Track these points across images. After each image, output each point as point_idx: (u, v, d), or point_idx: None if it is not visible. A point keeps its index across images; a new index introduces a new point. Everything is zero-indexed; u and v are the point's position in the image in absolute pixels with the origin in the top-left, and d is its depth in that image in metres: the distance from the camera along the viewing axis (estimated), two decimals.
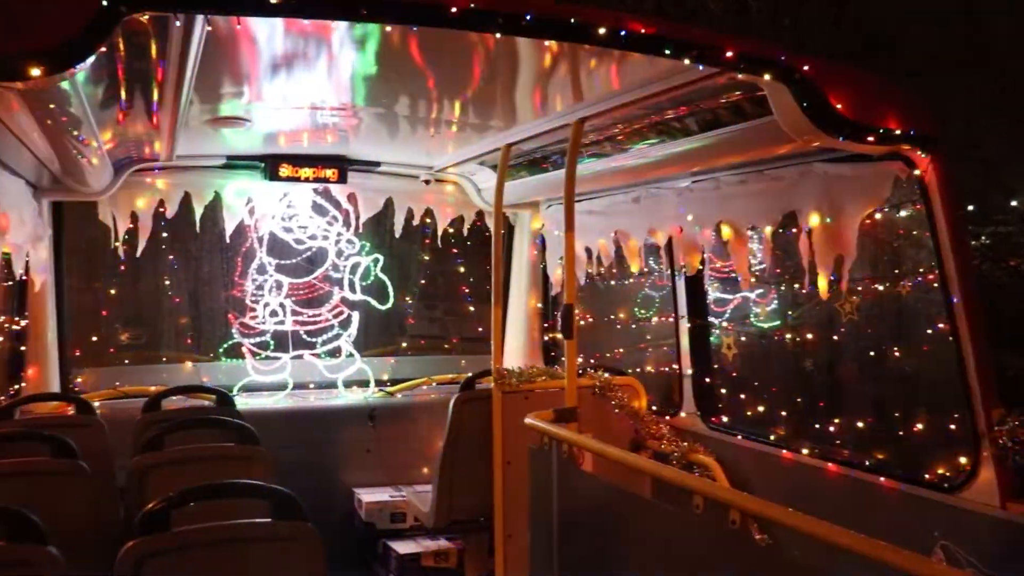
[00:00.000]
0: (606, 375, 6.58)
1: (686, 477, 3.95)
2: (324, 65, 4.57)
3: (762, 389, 7.37)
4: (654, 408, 6.72)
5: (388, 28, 3.76)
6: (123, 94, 4.42)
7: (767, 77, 3.83)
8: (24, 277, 6.25)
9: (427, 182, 7.93)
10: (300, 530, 3.45)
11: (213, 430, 5.38)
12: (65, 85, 3.38)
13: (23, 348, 6.81)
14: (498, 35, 3.38)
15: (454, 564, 6.80)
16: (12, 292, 6.64)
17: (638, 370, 8.17)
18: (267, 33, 3.89)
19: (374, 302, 8.19)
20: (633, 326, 9.32)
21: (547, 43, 3.99)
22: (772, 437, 6.15)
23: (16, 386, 6.72)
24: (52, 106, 3.66)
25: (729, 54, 3.65)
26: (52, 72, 2.68)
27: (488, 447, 5.96)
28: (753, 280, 6.58)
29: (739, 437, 6.04)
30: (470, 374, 6.86)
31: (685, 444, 6.11)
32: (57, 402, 6.66)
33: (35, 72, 2.65)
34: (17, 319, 6.71)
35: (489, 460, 5.93)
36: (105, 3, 2.68)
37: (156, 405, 6.23)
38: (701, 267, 6.43)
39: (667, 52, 3.57)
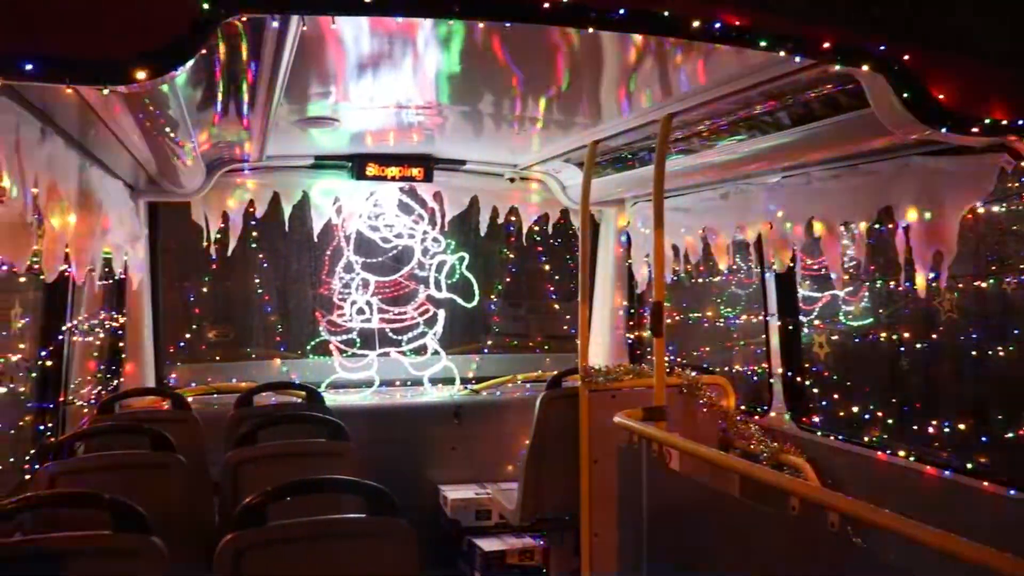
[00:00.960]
0: (693, 374, 6.48)
1: (782, 478, 3.86)
2: (410, 64, 4.58)
3: (856, 389, 7.18)
4: (742, 408, 6.60)
5: (473, 26, 3.75)
6: (218, 96, 4.51)
7: (865, 68, 3.71)
8: (122, 276, 6.42)
9: (512, 180, 7.94)
10: (394, 526, 3.46)
11: (304, 426, 5.45)
12: (164, 88, 3.45)
13: (121, 344, 7.01)
14: (591, 30, 3.33)
15: (539, 562, 6.78)
16: (111, 291, 6.85)
17: (724, 369, 8.05)
18: (354, 33, 3.92)
19: (459, 300, 8.23)
20: (719, 324, 9.19)
21: (633, 37, 3.93)
22: (867, 439, 5.98)
23: (116, 381, 6.93)
24: (152, 108, 3.74)
25: (826, 45, 3.54)
26: (156, 75, 2.73)
27: (574, 445, 5.92)
28: (845, 277, 6.39)
29: (832, 438, 5.89)
30: (556, 372, 6.83)
31: (775, 444, 5.97)
32: (153, 397, 6.84)
33: (140, 75, 2.70)
34: (116, 316, 6.92)
35: (575, 458, 5.90)
36: (206, 6, 2.72)
37: (248, 401, 6.34)
38: (792, 264, 6.29)
39: (762, 44, 3.47)
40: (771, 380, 6.58)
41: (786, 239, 6.00)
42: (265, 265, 8.15)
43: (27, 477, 4.88)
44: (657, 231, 5.15)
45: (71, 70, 2.70)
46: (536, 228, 8.38)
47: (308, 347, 8.08)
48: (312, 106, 5.59)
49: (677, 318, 9.01)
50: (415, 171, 7.46)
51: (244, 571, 3.18)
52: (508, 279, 8.88)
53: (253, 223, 7.66)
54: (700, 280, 8.88)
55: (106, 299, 6.83)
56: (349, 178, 7.47)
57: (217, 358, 8.09)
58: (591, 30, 3.31)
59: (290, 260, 8.20)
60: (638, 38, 3.91)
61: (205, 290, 8.06)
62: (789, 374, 6.44)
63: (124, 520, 3.23)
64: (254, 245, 7.94)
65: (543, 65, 4.62)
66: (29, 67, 2.63)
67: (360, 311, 7.94)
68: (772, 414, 6.52)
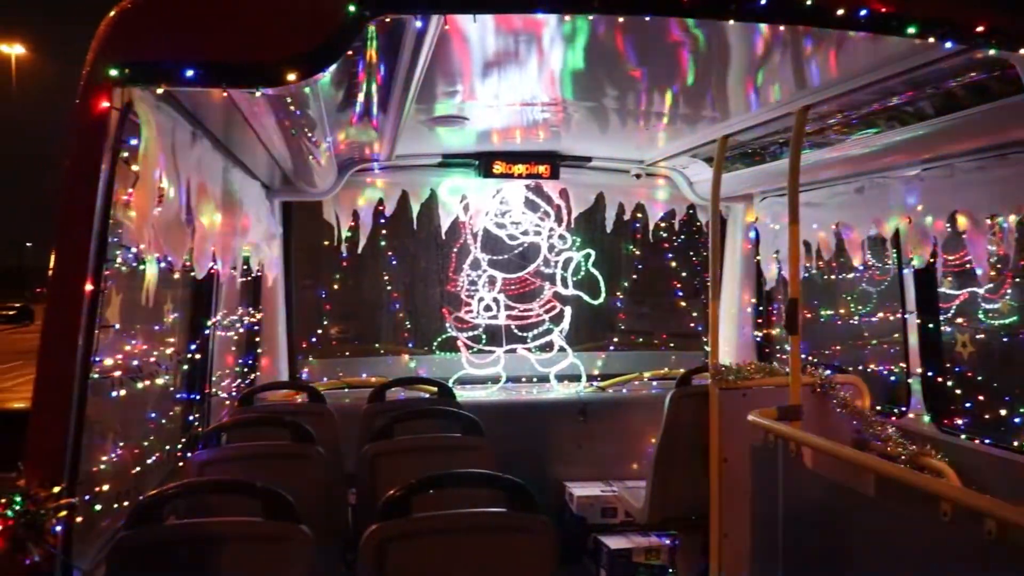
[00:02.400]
0: (827, 373, 6.30)
1: (932, 481, 3.71)
2: (535, 62, 4.60)
3: (1006, 391, 6.83)
4: (877, 408, 6.38)
5: (597, 22, 3.73)
6: (354, 97, 4.62)
7: (1022, 52, 3.53)
8: (259, 273, 6.64)
9: (638, 176, 7.88)
10: (535, 522, 3.46)
11: (437, 420, 5.53)
12: (307, 89, 3.56)
13: (257, 340, 7.26)
14: (731, 22, 3.27)
15: (666, 561, 6.72)
16: (248, 288, 7.11)
17: (858, 368, 7.80)
18: (480, 32, 3.95)
19: (586, 297, 8.23)
20: (852, 322, 8.90)
21: (761, 29, 3.85)
22: (1016, 443, 5.70)
23: (252, 375, 7.19)
24: (293, 108, 3.86)
25: (980, 29, 3.38)
26: (306, 76, 2.83)
27: (704, 444, 5.83)
28: (992, 273, 6.10)
29: (977, 441, 5.64)
30: (684, 370, 6.75)
31: (913, 447, 5.75)
32: (286, 390, 7.07)
33: (291, 77, 2.80)
34: (253, 313, 7.18)
35: (705, 457, 5.81)
36: (352, 8, 2.79)
37: (381, 395, 6.47)
38: (932, 260, 6.05)
39: (910, 31, 3.34)
40: (909, 380, 6.34)
41: (926, 234, 5.78)
42: (394, 263, 8.31)
43: (180, 464, 5.11)
44: (792, 227, 5.03)
45: (228, 74, 2.82)
46: (662, 224, 8.30)
47: (435, 343, 8.21)
48: (439, 105, 5.67)
49: (808, 315, 8.78)
50: (541, 168, 7.49)
51: (388, 561, 3.24)
52: (634, 276, 8.80)
53: (382, 221, 7.83)
54: (831, 277, 8.64)
55: (243, 296, 7.08)
56: (476, 176, 7.55)
57: (347, 353, 8.30)
58: (731, 22, 3.25)
59: (418, 258, 8.35)
60: (767, 29, 3.82)
61: (336, 287, 8.28)
62: (929, 374, 6.20)
63: (274, 508, 3.35)
64: (383, 243, 8.11)
65: (668, 59, 4.57)
66: (190, 73, 2.75)
67: (487, 308, 8.03)
68: (910, 415, 6.29)
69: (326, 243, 7.76)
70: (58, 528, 2.47)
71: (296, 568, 3.22)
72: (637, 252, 8.74)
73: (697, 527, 6.28)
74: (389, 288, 8.36)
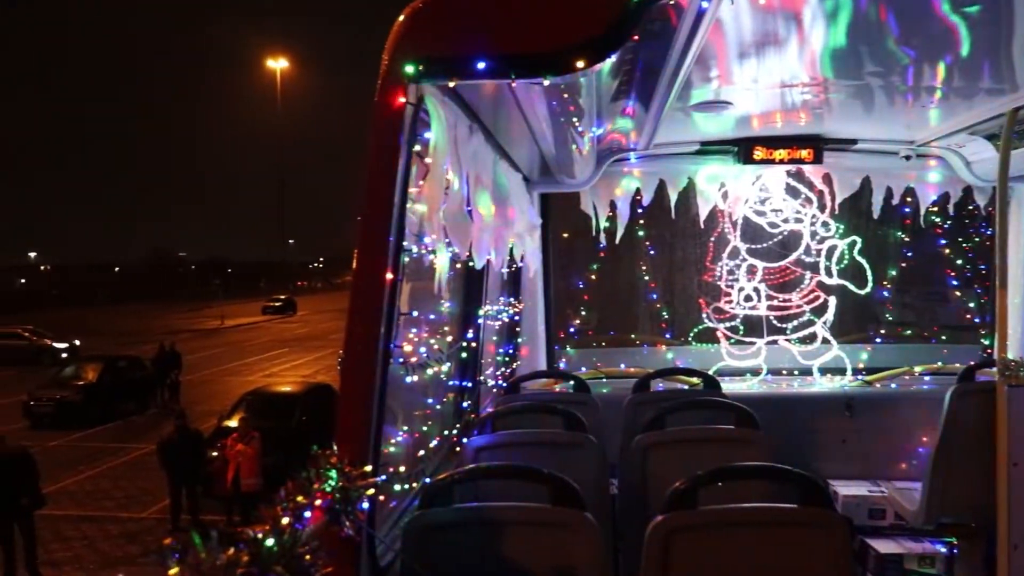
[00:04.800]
0: None
1: None
2: (795, 41, 4.43)
3: None
4: None
5: None
6: (624, 84, 4.62)
7: None
8: (520, 264, 6.81)
9: (907, 158, 7.42)
10: (830, 519, 3.34)
11: (706, 412, 5.44)
12: (582, 78, 3.60)
13: (518, 329, 7.46)
14: None
15: (941, 570, 6.29)
16: (509, 278, 7.31)
17: None
18: (734, 12, 3.84)
19: (851, 286, 7.87)
20: None
21: None
22: None
23: (514, 364, 7.39)
24: (566, 97, 3.91)
25: None
26: (593, 63, 2.85)
27: (989, 445, 5.42)
28: None
29: None
30: (960, 364, 6.32)
31: None
32: (546, 379, 7.21)
33: (580, 64, 2.83)
34: (514, 302, 7.38)
35: (990, 459, 5.40)
36: None
37: (646, 386, 6.46)
38: None
39: None
40: None
41: None
42: (651, 252, 8.28)
43: (457, 449, 5.33)
44: None
45: (518, 65, 2.89)
46: (934, 209, 7.81)
47: (691, 334, 8.12)
48: (696, 91, 5.57)
49: None
50: (803, 153, 7.21)
51: (673, 552, 3.22)
52: (902, 264, 8.31)
53: (640, 211, 7.82)
54: None
55: (504, 286, 7.29)
56: (735, 163, 7.39)
57: (603, 344, 8.35)
58: None
59: (675, 247, 8.27)
60: None
61: (593, 278, 8.35)
62: None
63: (561, 495, 3.41)
64: (640, 233, 8.10)
65: (940, 30, 4.25)
66: (482, 66, 2.84)
67: (747, 298, 7.85)
68: None
69: (584, 234, 7.85)
70: (365, 505, 2.62)
71: (582, 556, 3.26)
72: (906, 239, 8.24)
73: (979, 535, 5.86)
74: (646, 278, 8.34)
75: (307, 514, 2.30)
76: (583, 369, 7.79)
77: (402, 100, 2.90)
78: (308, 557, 2.01)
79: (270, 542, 1.97)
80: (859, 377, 7.71)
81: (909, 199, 7.79)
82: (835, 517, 3.35)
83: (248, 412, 17.67)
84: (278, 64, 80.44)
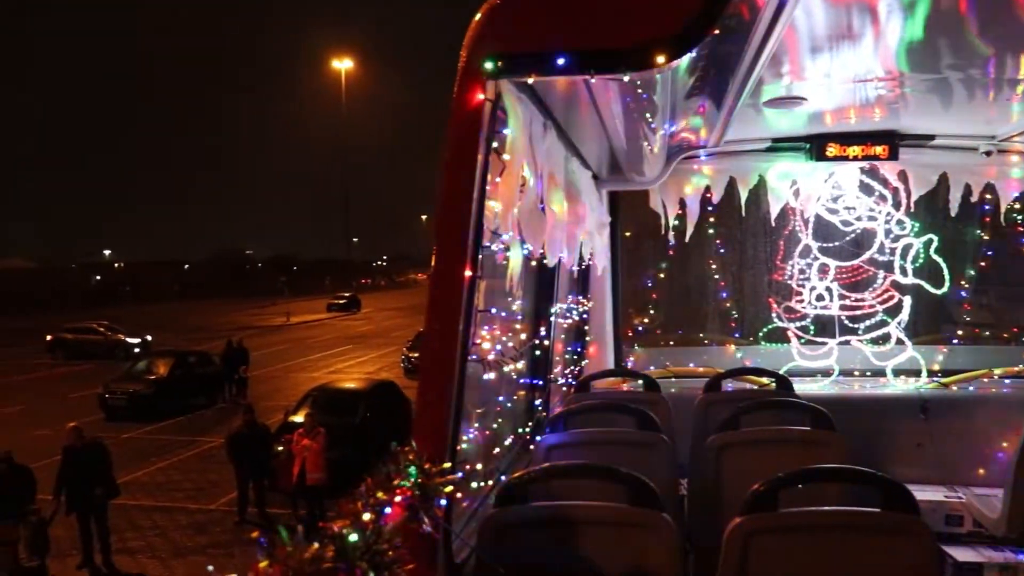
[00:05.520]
0: None
1: None
2: (870, 35, 4.33)
3: None
4: None
5: None
6: (700, 80, 4.56)
7: None
8: (589, 262, 6.78)
9: (988, 154, 7.22)
10: (911, 524, 3.25)
11: (780, 413, 5.35)
12: (658, 74, 3.55)
13: (586, 328, 7.43)
14: None
15: None
16: (578, 276, 7.28)
17: None
18: (807, 6, 3.77)
19: (927, 286, 7.68)
20: None
21: None
22: None
23: (582, 362, 7.37)
24: (641, 93, 3.87)
25: None
26: (673, 58, 2.82)
27: None
28: None
29: None
30: None
31: None
32: (612, 378, 7.16)
33: (660, 59, 2.80)
34: (582, 301, 7.35)
35: None
36: None
37: (717, 385, 6.38)
38: None
39: None
40: None
41: None
42: (720, 251, 8.19)
43: (531, 447, 5.32)
44: None
45: (599, 61, 2.86)
46: (1016, 206, 7.59)
47: (761, 333, 8.01)
48: (768, 87, 5.48)
49: None
50: (878, 149, 7.04)
51: (752, 554, 3.17)
52: (981, 263, 8.09)
53: (709, 209, 7.74)
54: None
55: (573, 284, 7.26)
56: (806, 160, 7.26)
57: (671, 343, 8.29)
58: None
59: (745, 246, 8.17)
60: None
61: (661, 276, 8.29)
62: None
63: (638, 495, 3.37)
64: (710, 231, 8.01)
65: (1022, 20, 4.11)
66: (561, 62, 2.82)
67: (819, 297, 7.72)
68: None
69: (653, 232, 7.79)
70: (443, 502, 2.62)
71: (658, 557, 3.23)
72: (985, 237, 8.02)
73: None
74: (715, 277, 8.26)
75: (387, 510, 2.31)
76: (650, 368, 7.72)
77: (481, 96, 2.90)
78: (390, 553, 2.02)
79: (354, 537, 1.98)
80: (935, 379, 7.53)
81: (989, 196, 7.58)
82: (921, 524, 3.26)
83: (314, 408, 17.86)
84: (343, 65, 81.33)
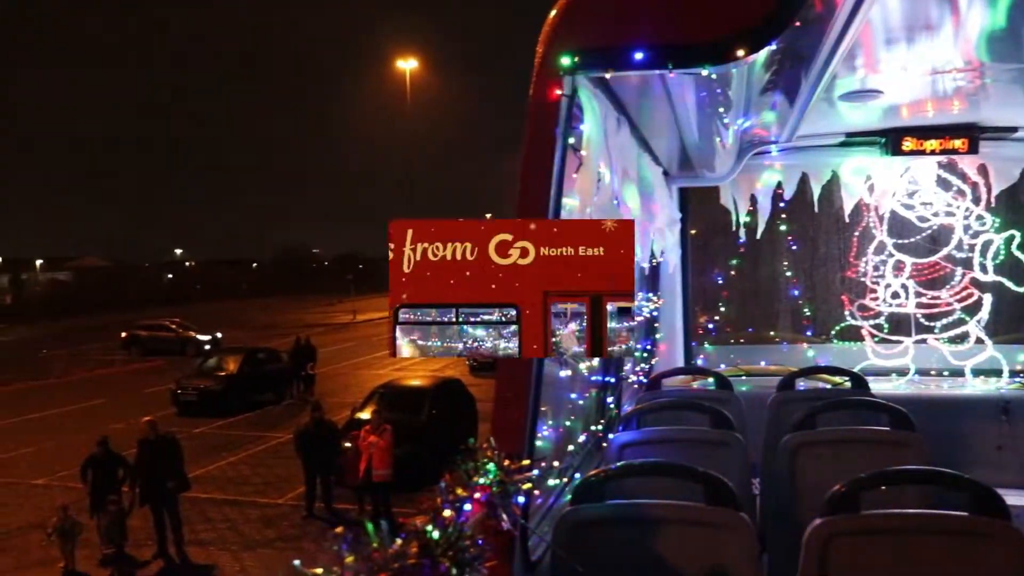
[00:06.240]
0: None
1: None
2: (949, 25, 4.22)
3: None
4: None
5: None
6: (776, 75, 4.49)
7: None
8: (660, 259, 6.71)
9: None
10: (1002, 529, 3.14)
11: (856, 412, 5.24)
12: (735, 68, 3.50)
13: (656, 324, 7.36)
14: None
15: None
16: (648, 273, 7.22)
17: None
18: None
19: (1008, 283, 7.46)
20: None
21: None
22: None
23: (652, 360, 7.30)
24: (716, 88, 3.82)
25: None
26: (753, 51, 2.78)
27: None
28: None
29: None
30: None
31: None
32: (683, 376, 7.08)
33: (740, 53, 2.76)
34: (652, 298, 7.29)
35: None
36: None
37: (791, 384, 6.27)
38: None
39: None
40: None
41: None
42: (792, 248, 8.05)
43: (604, 444, 5.30)
44: None
45: (677, 55, 2.83)
46: None
47: (833, 332, 7.86)
48: (842, 80, 5.37)
49: None
50: (957, 143, 6.85)
51: (832, 556, 3.10)
52: None
53: (781, 205, 7.62)
54: None
55: (644, 281, 7.20)
56: (881, 154, 7.10)
57: (741, 341, 8.18)
58: None
59: (817, 242, 8.02)
60: None
61: (732, 273, 8.18)
62: None
63: (715, 494, 3.33)
64: (782, 228, 7.89)
65: None
66: (639, 56, 2.79)
67: (894, 295, 7.55)
68: None
69: (723, 229, 7.69)
70: (520, 499, 2.61)
71: (735, 556, 3.18)
72: None
73: None
74: (787, 274, 8.12)
75: (467, 507, 2.31)
76: (722, 366, 7.62)
77: (557, 92, 2.88)
78: (472, 549, 2.01)
79: (436, 534, 1.98)
80: (1017, 379, 7.31)
81: None
82: (1013, 530, 3.15)
83: (380, 405, 17.99)
84: (407, 64, 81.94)
